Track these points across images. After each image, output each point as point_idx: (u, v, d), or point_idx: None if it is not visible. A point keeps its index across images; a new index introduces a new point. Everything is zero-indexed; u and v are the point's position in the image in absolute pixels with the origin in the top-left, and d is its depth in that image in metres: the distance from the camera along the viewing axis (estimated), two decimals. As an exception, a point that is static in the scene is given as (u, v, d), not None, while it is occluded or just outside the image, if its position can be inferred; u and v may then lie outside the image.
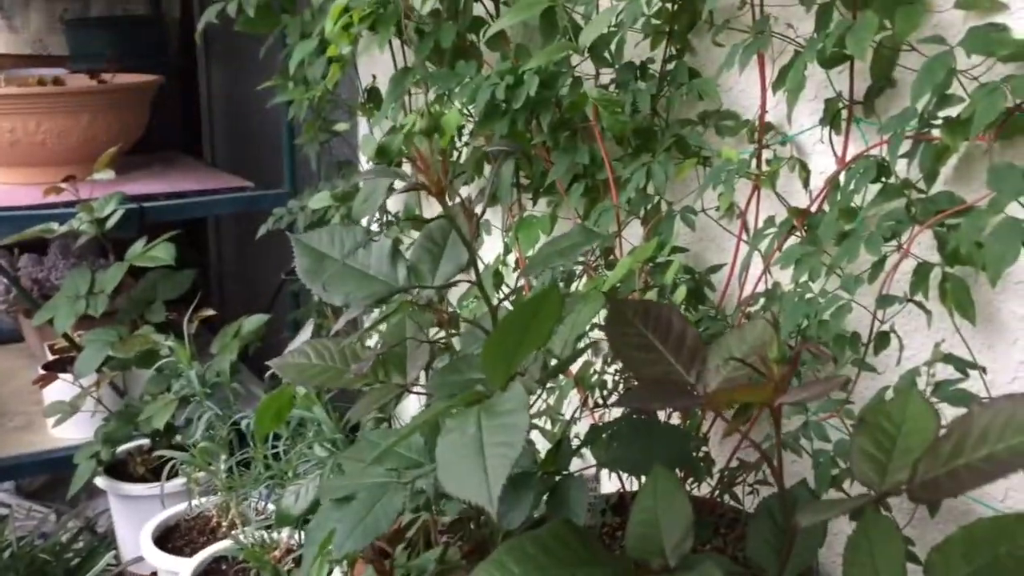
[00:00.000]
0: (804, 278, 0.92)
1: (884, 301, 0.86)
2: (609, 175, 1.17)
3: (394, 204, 1.81)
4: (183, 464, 1.71)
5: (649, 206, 1.16)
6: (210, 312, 1.78)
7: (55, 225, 1.90)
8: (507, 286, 1.48)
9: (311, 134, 1.83)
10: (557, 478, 0.85)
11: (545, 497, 0.84)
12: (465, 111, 1.29)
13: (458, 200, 0.77)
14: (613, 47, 1.14)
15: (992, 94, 0.78)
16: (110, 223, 1.89)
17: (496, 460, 0.63)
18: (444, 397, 0.74)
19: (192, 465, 1.68)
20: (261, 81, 1.89)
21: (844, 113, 0.98)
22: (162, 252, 1.84)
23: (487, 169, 1.39)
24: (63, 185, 1.96)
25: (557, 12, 1.13)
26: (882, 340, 0.89)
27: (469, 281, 0.78)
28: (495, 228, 1.44)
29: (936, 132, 0.86)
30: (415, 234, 1.65)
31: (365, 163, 1.54)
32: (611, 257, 1.20)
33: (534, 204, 1.39)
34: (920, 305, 0.85)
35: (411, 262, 0.83)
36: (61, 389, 1.93)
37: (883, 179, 0.91)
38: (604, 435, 0.85)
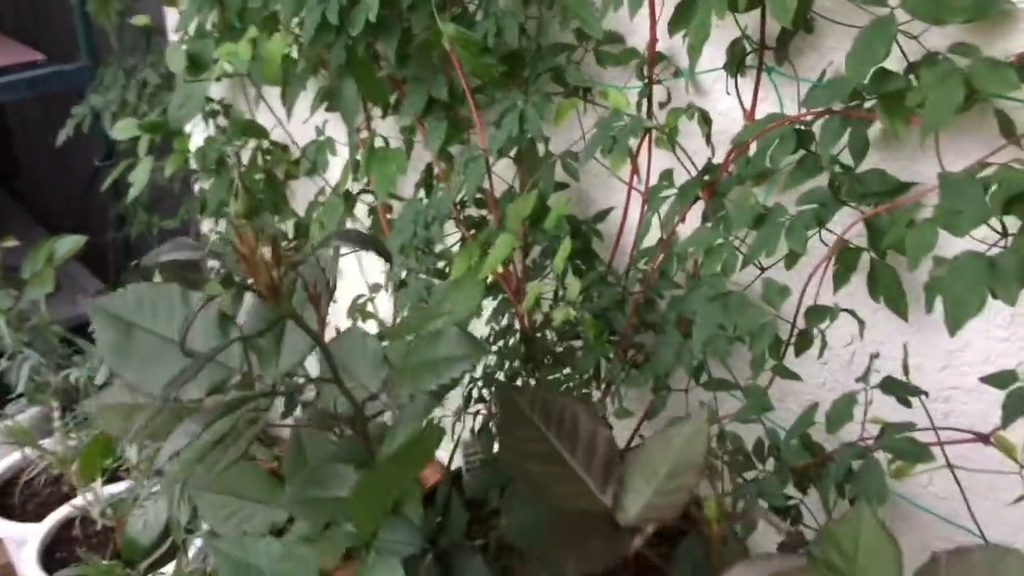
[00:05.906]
0: (717, 269, 0.79)
1: (814, 316, 0.74)
2: (473, 113, 0.98)
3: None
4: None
5: (523, 145, 0.99)
6: (12, 243, 1.52)
7: None
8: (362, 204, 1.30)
9: (103, 13, 1.53)
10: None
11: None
12: (291, 31, 1.06)
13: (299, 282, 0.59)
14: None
15: (947, 83, 0.64)
16: None
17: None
18: (308, 525, 0.60)
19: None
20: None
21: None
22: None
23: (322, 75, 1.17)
24: None
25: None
26: (804, 341, 0.78)
27: (327, 380, 0.61)
28: (341, 146, 1.24)
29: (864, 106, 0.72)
30: (252, 144, 1.42)
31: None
32: (483, 211, 1.03)
33: (383, 117, 1.18)
34: (854, 314, 0.74)
35: (248, 337, 0.65)
36: None
37: (803, 148, 0.77)
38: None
